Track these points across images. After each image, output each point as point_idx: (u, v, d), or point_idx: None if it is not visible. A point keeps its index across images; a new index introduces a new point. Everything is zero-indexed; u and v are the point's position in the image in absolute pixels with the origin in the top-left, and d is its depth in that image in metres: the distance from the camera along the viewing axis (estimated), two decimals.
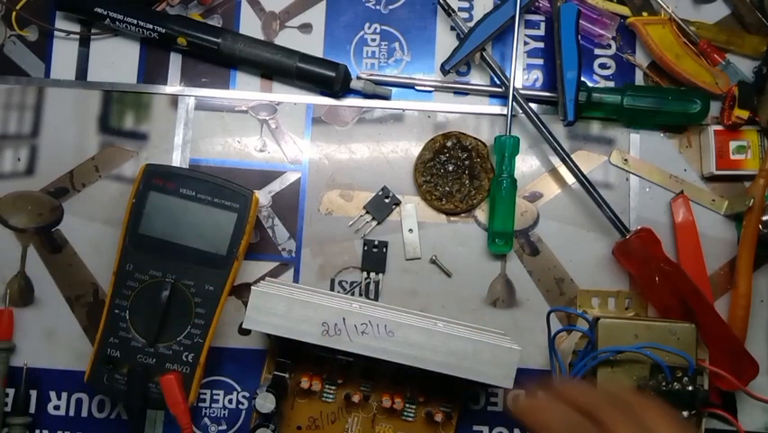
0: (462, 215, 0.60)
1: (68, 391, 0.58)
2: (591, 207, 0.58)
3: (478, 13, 0.61)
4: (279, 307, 0.50)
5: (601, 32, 0.61)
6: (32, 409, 0.57)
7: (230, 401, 0.58)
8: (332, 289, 0.59)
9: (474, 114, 0.61)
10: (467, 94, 0.61)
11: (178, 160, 0.60)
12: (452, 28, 0.61)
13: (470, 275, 0.59)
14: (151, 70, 0.61)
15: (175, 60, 0.61)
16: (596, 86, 0.60)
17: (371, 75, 0.60)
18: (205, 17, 0.62)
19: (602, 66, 0.62)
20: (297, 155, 0.60)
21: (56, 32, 0.61)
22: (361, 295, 0.59)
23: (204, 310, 0.53)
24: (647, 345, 0.50)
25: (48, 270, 0.59)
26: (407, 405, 0.55)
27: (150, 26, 0.59)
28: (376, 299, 0.59)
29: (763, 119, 0.59)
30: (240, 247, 0.53)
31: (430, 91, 0.61)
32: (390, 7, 0.62)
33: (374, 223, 0.59)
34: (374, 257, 0.59)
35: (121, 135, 0.60)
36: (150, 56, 0.61)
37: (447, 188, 0.59)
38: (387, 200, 0.59)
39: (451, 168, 0.59)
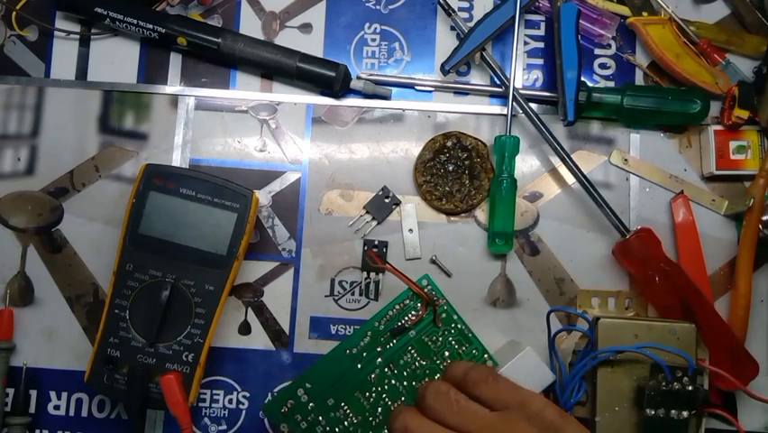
0: (462, 215, 0.60)
1: (68, 391, 0.58)
2: (591, 207, 0.58)
3: (478, 13, 0.61)
4: None
5: (601, 32, 0.61)
6: (32, 409, 0.58)
7: (230, 401, 0.58)
8: (332, 289, 0.59)
9: (474, 114, 0.61)
10: (467, 94, 0.61)
11: (178, 160, 0.60)
12: (452, 28, 0.61)
13: (470, 275, 0.59)
14: (151, 70, 0.61)
15: (175, 60, 0.61)
16: (596, 86, 0.60)
17: (371, 75, 0.60)
18: (205, 17, 0.62)
19: (602, 66, 0.62)
20: (297, 155, 0.60)
21: (56, 32, 0.61)
22: (361, 295, 0.59)
23: (204, 310, 0.53)
24: (647, 344, 0.50)
25: (48, 270, 0.59)
26: None
27: (151, 26, 0.59)
28: (376, 299, 0.59)
29: (763, 119, 0.59)
30: (240, 247, 0.53)
31: (430, 91, 0.61)
32: (390, 7, 0.62)
33: (374, 223, 0.59)
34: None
35: (121, 135, 0.60)
36: (150, 56, 0.61)
37: (447, 188, 0.59)
38: (387, 200, 0.59)
39: (451, 168, 0.59)
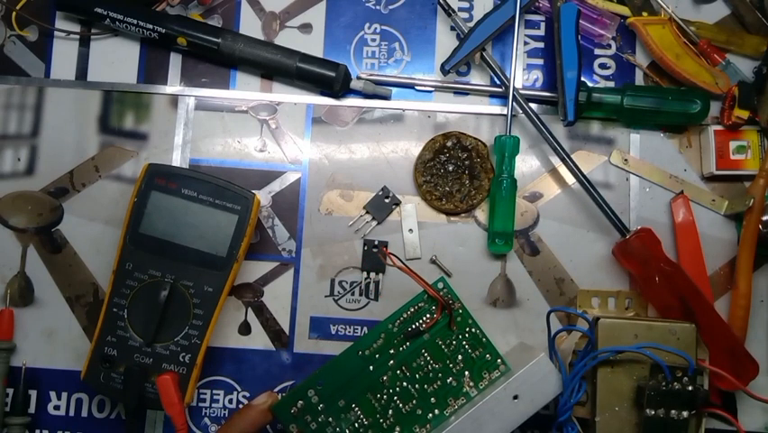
0: (462, 215, 0.60)
1: (67, 391, 0.58)
2: (591, 207, 0.58)
3: (478, 13, 0.61)
4: None
5: (601, 32, 0.61)
6: (32, 409, 0.58)
7: (230, 401, 0.58)
8: (332, 289, 0.59)
9: (474, 114, 0.61)
10: (467, 94, 0.61)
11: (177, 160, 0.60)
12: (452, 28, 0.61)
13: (470, 275, 0.59)
14: (151, 70, 0.61)
15: (175, 60, 0.61)
16: (596, 86, 0.60)
17: (371, 75, 0.60)
18: (205, 17, 0.62)
19: (602, 66, 0.62)
20: (297, 155, 0.60)
21: (56, 32, 0.61)
22: (361, 295, 0.59)
23: (202, 311, 0.53)
24: (647, 345, 0.50)
25: (48, 270, 0.59)
26: None
27: (151, 26, 0.59)
28: (376, 299, 0.59)
29: (763, 119, 0.59)
30: (240, 249, 0.53)
31: (430, 91, 0.61)
32: (390, 7, 0.62)
33: (374, 223, 0.59)
34: (374, 257, 0.59)
35: (121, 135, 0.60)
36: (150, 56, 0.61)
37: (447, 188, 0.59)
38: (387, 200, 0.59)
39: (451, 168, 0.59)
